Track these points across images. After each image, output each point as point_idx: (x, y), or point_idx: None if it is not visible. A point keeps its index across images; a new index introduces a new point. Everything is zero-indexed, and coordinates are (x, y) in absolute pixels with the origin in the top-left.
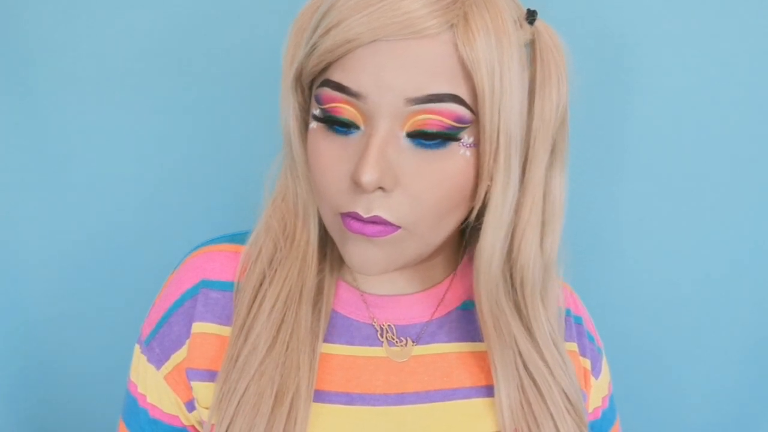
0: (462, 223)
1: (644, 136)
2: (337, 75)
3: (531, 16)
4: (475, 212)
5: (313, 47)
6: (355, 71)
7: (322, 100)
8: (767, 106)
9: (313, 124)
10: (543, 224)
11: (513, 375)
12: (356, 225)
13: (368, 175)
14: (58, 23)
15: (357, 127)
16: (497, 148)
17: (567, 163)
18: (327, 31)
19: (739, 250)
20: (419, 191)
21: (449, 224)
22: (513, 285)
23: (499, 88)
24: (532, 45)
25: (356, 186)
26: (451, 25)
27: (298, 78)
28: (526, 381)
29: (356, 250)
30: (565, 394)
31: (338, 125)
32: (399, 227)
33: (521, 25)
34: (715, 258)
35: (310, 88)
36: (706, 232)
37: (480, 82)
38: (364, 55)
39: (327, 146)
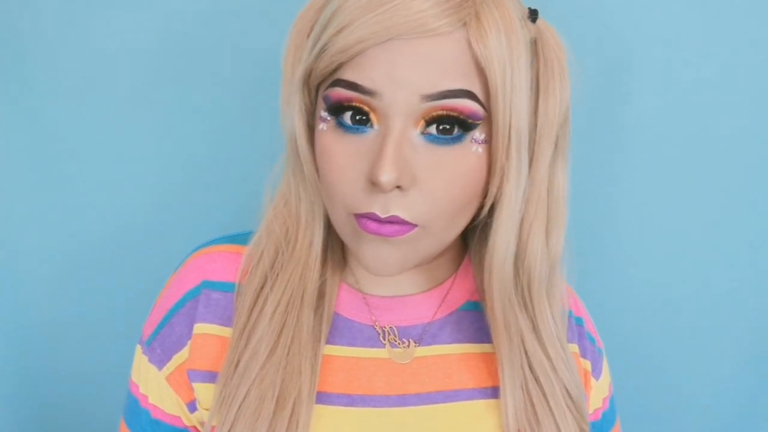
0: (472, 221)
1: (644, 136)
2: (348, 74)
3: (533, 15)
4: (485, 210)
5: (324, 48)
6: (368, 69)
7: (333, 99)
8: None
9: (323, 126)
10: (548, 221)
11: (518, 375)
12: (373, 225)
13: (387, 175)
14: (58, 23)
15: (370, 125)
16: (509, 144)
17: (569, 160)
18: (338, 32)
19: (740, 251)
20: (435, 189)
21: (462, 221)
22: (520, 283)
23: (510, 85)
24: (534, 43)
25: (373, 186)
26: (464, 24)
27: (306, 79)
28: (531, 381)
29: (372, 251)
30: (567, 390)
31: (350, 119)
32: (415, 226)
33: (525, 24)
34: (716, 259)
35: (317, 90)
36: (706, 232)
37: (493, 79)
38: (376, 53)
39: (339, 146)
